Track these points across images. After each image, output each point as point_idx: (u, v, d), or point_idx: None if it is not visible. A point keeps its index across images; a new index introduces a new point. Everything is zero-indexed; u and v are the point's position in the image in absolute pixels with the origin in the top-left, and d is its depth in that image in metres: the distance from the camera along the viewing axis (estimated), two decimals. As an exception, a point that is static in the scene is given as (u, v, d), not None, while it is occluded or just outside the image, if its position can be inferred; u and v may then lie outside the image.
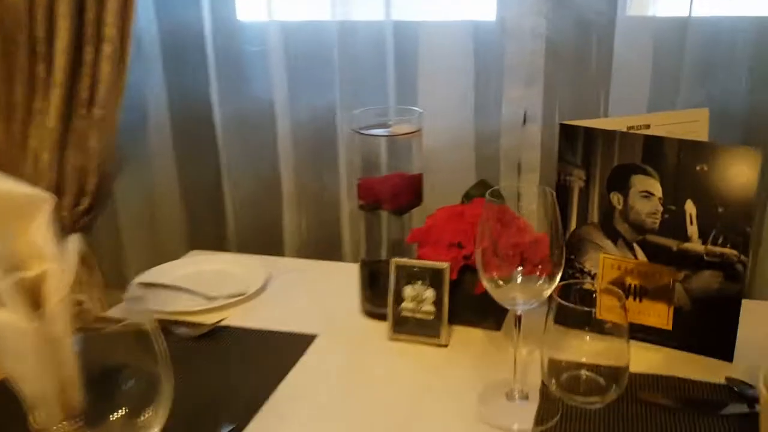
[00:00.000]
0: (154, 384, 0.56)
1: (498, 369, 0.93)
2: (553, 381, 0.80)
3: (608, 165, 0.94)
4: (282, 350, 0.99)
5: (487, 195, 0.81)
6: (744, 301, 0.89)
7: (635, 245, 0.95)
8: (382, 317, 1.03)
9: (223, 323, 1.05)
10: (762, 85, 1.10)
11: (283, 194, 1.39)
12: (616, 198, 0.95)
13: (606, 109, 1.15)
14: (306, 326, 1.05)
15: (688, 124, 0.97)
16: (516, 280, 0.81)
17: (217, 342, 1.02)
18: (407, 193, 1.04)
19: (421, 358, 0.97)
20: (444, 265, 0.98)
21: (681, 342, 0.95)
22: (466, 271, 0.99)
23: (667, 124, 0.96)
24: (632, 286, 0.96)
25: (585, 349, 0.81)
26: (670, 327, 0.95)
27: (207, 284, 1.15)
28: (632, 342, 0.76)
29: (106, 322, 0.59)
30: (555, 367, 0.80)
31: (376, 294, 1.06)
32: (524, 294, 0.81)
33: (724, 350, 0.93)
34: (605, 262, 0.98)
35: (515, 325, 0.83)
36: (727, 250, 0.88)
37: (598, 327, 0.77)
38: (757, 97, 1.10)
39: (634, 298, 0.96)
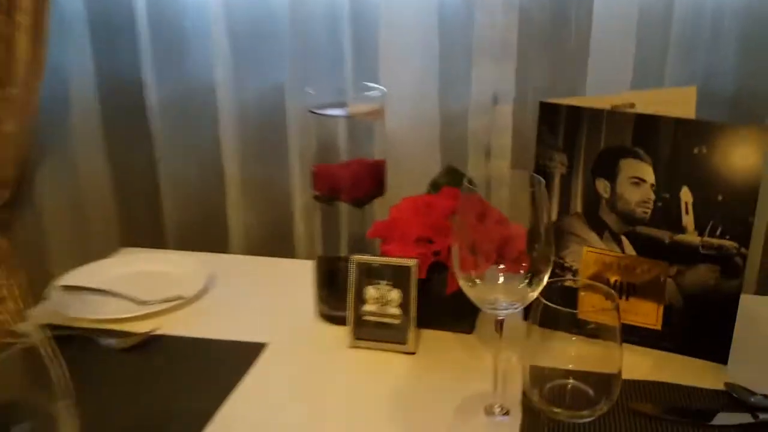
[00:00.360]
0: (50, 427, 0.43)
1: (473, 378, 0.83)
2: (536, 392, 0.72)
3: (594, 148, 0.84)
4: (227, 362, 0.87)
5: (464, 184, 0.70)
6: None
7: (623, 237, 0.86)
8: (341, 321, 0.92)
9: (157, 332, 0.93)
10: (749, 62, 1.02)
11: (226, 185, 1.27)
12: (602, 185, 0.85)
13: (584, 88, 1.06)
14: (254, 334, 0.93)
15: (675, 103, 0.88)
16: (497, 280, 0.71)
17: (151, 354, 0.89)
18: (368, 181, 0.92)
19: (385, 368, 0.86)
20: (411, 262, 0.87)
21: (671, 343, 0.87)
22: (436, 269, 0.88)
23: (653, 104, 0.87)
24: (618, 282, 0.87)
25: (571, 354, 0.74)
26: (659, 327, 0.87)
27: (139, 287, 1.03)
28: (606, 342, 0.68)
29: (18, 337, 0.46)
30: (538, 376, 0.71)
31: (335, 295, 0.94)
32: (507, 295, 0.70)
33: (719, 352, 0.84)
34: (588, 256, 0.88)
35: (496, 330, 0.73)
36: (725, 242, 0.80)
37: (585, 330, 0.69)
38: (744, 75, 1.03)
39: (621, 296, 0.87)
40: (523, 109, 1.10)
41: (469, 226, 0.70)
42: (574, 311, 0.67)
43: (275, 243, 1.28)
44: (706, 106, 0.86)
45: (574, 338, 0.70)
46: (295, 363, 0.88)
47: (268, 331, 0.94)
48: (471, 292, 0.71)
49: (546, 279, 0.69)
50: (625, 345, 0.82)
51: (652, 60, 1.02)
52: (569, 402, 0.72)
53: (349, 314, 0.90)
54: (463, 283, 0.71)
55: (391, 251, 0.90)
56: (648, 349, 0.88)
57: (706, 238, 0.80)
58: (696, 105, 0.86)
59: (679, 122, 0.79)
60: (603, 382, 0.70)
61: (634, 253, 0.85)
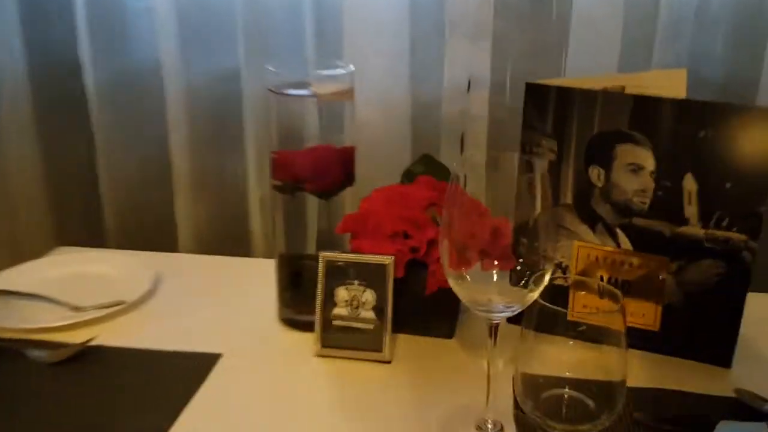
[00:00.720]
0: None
1: (458, 389, 0.74)
2: (530, 403, 0.64)
3: (587, 133, 0.77)
4: (175, 377, 0.76)
5: (453, 171, 0.61)
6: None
7: (618, 231, 0.78)
8: (307, 327, 0.82)
9: (94, 342, 0.82)
10: (738, 47, 0.97)
11: (174, 176, 1.15)
12: (595, 173, 0.78)
13: (565, 73, 0.98)
14: (207, 343, 0.82)
15: (665, 87, 0.81)
16: (491, 279, 0.62)
17: (87, 369, 0.78)
18: (336, 169, 0.82)
19: (358, 378, 0.77)
20: (387, 259, 0.78)
21: (669, 346, 0.80)
22: (414, 267, 0.79)
23: (643, 87, 0.80)
24: (613, 279, 0.80)
25: (568, 361, 0.66)
26: (657, 328, 0.80)
27: (75, 291, 0.92)
28: (610, 347, 0.62)
29: None
30: (531, 385, 0.65)
31: (299, 297, 0.85)
32: (504, 296, 0.62)
33: (722, 355, 0.78)
34: (580, 251, 0.81)
35: (489, 336, 0.64)
36: (732, 235, 0.73)
37: (583, 333, 0.63)
38: (732, 60, 0.97)
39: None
40: (500, 94, 1.02)
41: (459, 219, 0.61)
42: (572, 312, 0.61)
43: (229, 240, 1.17)
44: (694, 92, 0.80)
45: (571, 342, 0.64)
46: (254, 375, 0.78)
47: (222, 339, 0.83)
48: (463, 293, 0.62)
49: (548, 277, 0.61)
50: (603, 346, 0.75)
51: (638, 44, 0.95)
52: (567, 414, 0.65)
53: (317, 318, 0.80)
54: (453, 283, 0.62)
55: (363, 247, 0.80)
56: (644, 353, 0.81)
57: (711, 231, 0.73)
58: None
59: (682, 103, 0.72)
60: (604, 391, 0.64)
61: (630, 247, 0.78)
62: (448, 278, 0.62)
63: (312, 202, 0.83)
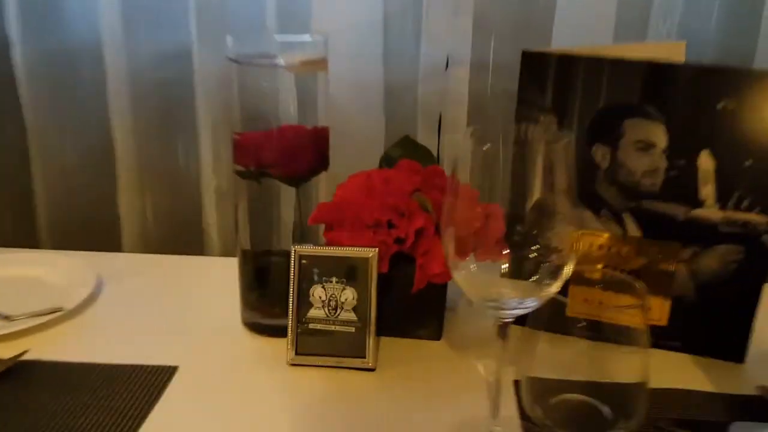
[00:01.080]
0: None
1: (455, 399, 0.65)
2: (538, 409, 0.57)
3: (591, 106, 0.69)
4: (124, 394, 0.66)
5: (460, 143, 0.52)
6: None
7: (625, 216, 0.71)
8: (277, 332, 0.72)
9: (26, 357, 0.70)
10: (733, 20, 0.91)
11: (117, 168, 1.04)
12: (600, 152, 0.70)
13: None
14: (160, 355, 0.72)
15: (663, 59, 0.74)
16: (502, 271, 0.54)
17: (19, 386, 0.66)
18: (307, 152, 0.72)
19: (339, 390, 0.67)
20: (369, 252, 0.68)
21: (677, 342, 0.73)
22: (399, 262, 0.70)
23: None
24: (618, 270, 0.72)
25: (579, 362, 0.59)
26: (665, 323, 0.73)
27: (5, 297, 0.81)
28: (609, 345, 0.57)
29: None
30: (538, 390, 0.58)
31: (267, 299, 0.75)
32: (517, 290, 0.53)
33: (735, 349, 0.71)
34: (582, 239, 0.73)
35: (499, 337, 0.55)
36: (752, 217, 0.66)
37: (596, 331, 0.56)
38: (728, 34, 0.91)
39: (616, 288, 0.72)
40: (482, 72, 0.93)
41: (463, 204, 0.52)
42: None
43: (181, 238, 1.06)
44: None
45: (580, 342, 0.57)
46: (217, 390, 0.67)
47: (178, 350, 0.73)
48: (469, 287, 0.53)
49: (572, 266, 0.52)
50: (620, 346, 0.69)
51: (631, 19, 0.89)
52: (579, 421, 0.57)
53: (290, 322, 0.70)
54: (458, 276, 0.53)
55: (339, 240, 0.71)
56: (626, 348, 0.74)
57: (728, 213, 0.67)
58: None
59: (701, 71, 0.65)
60: (620, 396, 0.58)
61: (639, 234, 0.70)
62: (452, 270, 0.53)
63: (280, 190, 0.73)
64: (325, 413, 0.64)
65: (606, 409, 0.61)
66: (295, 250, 0.69)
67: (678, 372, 0.71)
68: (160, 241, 1.06)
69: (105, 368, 0.69)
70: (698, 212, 0.68)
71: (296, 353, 0.70)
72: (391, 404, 0.65)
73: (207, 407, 0.65)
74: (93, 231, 1.06)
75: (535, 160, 0.52)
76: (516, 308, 0.53)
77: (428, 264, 0.69)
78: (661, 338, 0.73)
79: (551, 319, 0.58)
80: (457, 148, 0.53)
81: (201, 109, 0.98)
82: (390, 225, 0.70)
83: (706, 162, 0.66)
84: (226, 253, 1.00)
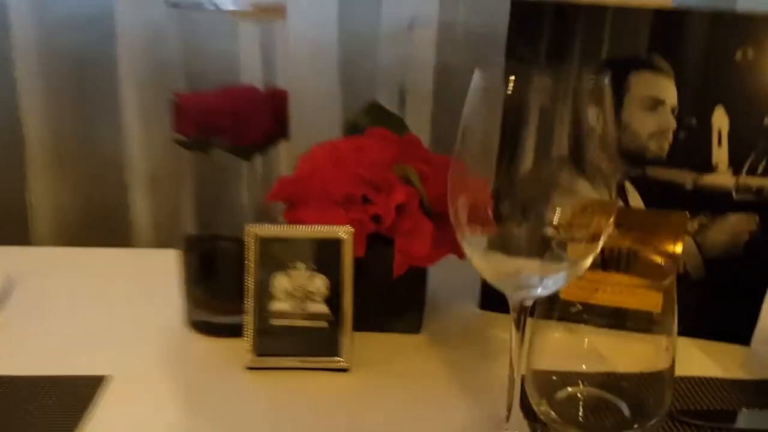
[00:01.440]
0: None
1: (444, 401, 0.56)
2: (544, 402, 0.51)
3: (591, 61, 0.61)
4: (43, 412, 0.53)
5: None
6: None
7: (627, 184, 0.63)
8: (230, 331, 0.61)
9: None
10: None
11: (26, 149, 0.89)
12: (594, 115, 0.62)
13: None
14: (86, 363, 0.59)
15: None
16: (522, 243, 0.45)
17: None
18: (263, 118, 0.61)
19: (309, 395, 0.57)
20: (343, 231, 0.58)
21: (679, 325, 0.66)
22: (374, 244, 0.60)
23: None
24: (616, 249, 0.64)
25: (587, 351, 0.54)
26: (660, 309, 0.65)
27: None
28: (608, 330, 0.52)
29: None
30: (544, 382, 0.52)
31: (217, 293, 0.63)
32: (541, 266, 0.44)
33: (742, 331, 0.65)
34: (577, 211, 0.64)
35: (515, 326, 0.46)
36: (770, 182, 0.60)
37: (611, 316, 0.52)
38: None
39: (619, 266, 0.64)
40: (450, 34, 0.84)
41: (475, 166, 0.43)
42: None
43: (103, 227, 0.91)
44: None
45: (590, 329, 0.53)
46: (157, 402, 0.55)
47: (108, 357, 0.60)
48: (485, 265, 0.44)
49: (607, 234, 0.44)
50: (616, 332, 0.62)
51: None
52: (592, 418, 0.52)
53: (248, 318, 0.58)
54: (471, 251, 0.44)
55: (305, 219, 0.60)
56: (643, 335, 0.66)
57: (743, 178, 0.60)
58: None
59: (716, 16, 0.57)
60: (640, 387, 0.53)
61: (641, 204, 0.63)
62: (463, 244, 0.44)
63: (231, 164, 0.61)
64: (291, 424, 0.53)
65: (623, 405, 0.54)
66: (253, 232, 0.58)
67: (679, 357, 0.64)
68: (76, 232, 0.92)
69: (17, 381, 0.55)
70: (709, 178, 0.61)
71: (256, 354, 0.59)
72: (371, 410, 0.55)
73: (145, 423, 0.52)
74: (-1, 223, 0.91)
75: (561, 112, 0.44)
76: (539, 288, 0.44)
77: (410, 245, 0.59)
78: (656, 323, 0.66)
79: (552, 305, 0.51)
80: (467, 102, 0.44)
81: (124, 80, 0.84)
82: (365, 200, 0.60)
83: (719, 120, 0.59)
84: (160, 243, 0.87)
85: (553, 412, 0.52)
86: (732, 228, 0.62)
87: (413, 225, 0.58)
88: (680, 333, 0.66)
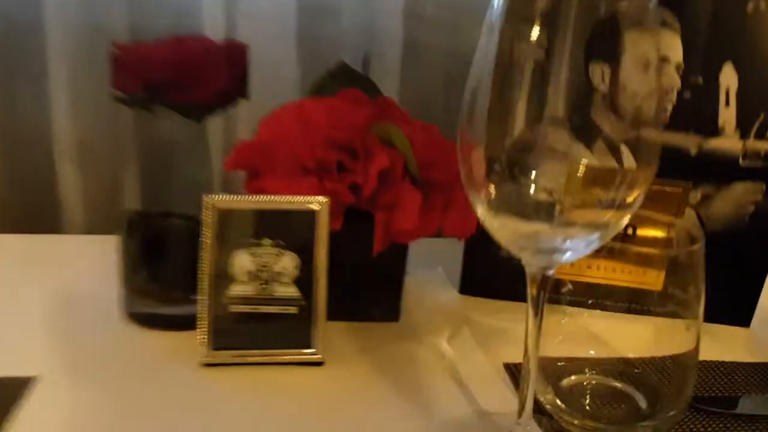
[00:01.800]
0: None
1: (432, 396, 0.49)
2: (550, 389, 0.46)
3: (590, 15, 0.55)
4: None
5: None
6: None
7: (623, 148, 0.57)
8: (179, 324, 0.52)
9: None
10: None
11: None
12: (598, 72, 0.55)
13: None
14: (10, 363, 0.49)
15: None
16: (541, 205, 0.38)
17: None
18: (217, 71, 0.53)
19: (277, 394, 0.48)
20: (316, 202, 0.50)
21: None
22: (354, 218, 0.52)
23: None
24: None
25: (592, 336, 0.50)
26: (659, 287, 0.60)
27: None
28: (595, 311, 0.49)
29: None
30: (550, 372, 0.47)
31: (163, 279, 0.54)
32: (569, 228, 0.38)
33: (742, 312, 0.60)
34: (572, 178, 0.59)
35: (532, 302, 0.39)
36: (779, 147, 0.55)
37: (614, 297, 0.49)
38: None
39: (614, 241, 0.59)
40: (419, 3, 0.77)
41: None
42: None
43: (30, 211, 0.79)
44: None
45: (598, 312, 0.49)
46: (94, 406, 0.46)
47: (35, 355, 0.51)
48: (499, 229, 0.37)
49: (644, 191, 0.38)
50: (612, 314, 0.57)
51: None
52: (604, 408, 0.47)
53: (201, 307, 0.49)
54: (485, 213, 0.37)
55: (270, 188, 0.52)
56: (637, 316, 0.61)
57: (751, 142, 0.55)
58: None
59: (727, -36, 0.53)
60: (660, 376, 0.48)
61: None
62: (476, 206, 0.37)
63: (180, 126, 0.53)
64: (256, 427, 0.45)
65: (637, 395, 0.48)
66: (209, 203, 0.49)
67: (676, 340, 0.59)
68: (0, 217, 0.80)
69: None
70: (715, 143, 0.56)
71: (213, 348, 0.50)
72: (350, 407, 0.47)
73: (79, 427, 0.43)
74: None
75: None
76: (565, 253, 0.38)
77: (394, 217, 0.51)
78: (652, 305, 0.61)
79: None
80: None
81: (52, 38, 0.73)
82: (341, 167, 0.52)
83: (728, 77, 0.54)
84: (93, 229, 0.76)
85: (559, 401, 0.46)
86: (737, 199, 0.57)
87: (397, 194, 0.51)
88: (673, 315, 0.62)
